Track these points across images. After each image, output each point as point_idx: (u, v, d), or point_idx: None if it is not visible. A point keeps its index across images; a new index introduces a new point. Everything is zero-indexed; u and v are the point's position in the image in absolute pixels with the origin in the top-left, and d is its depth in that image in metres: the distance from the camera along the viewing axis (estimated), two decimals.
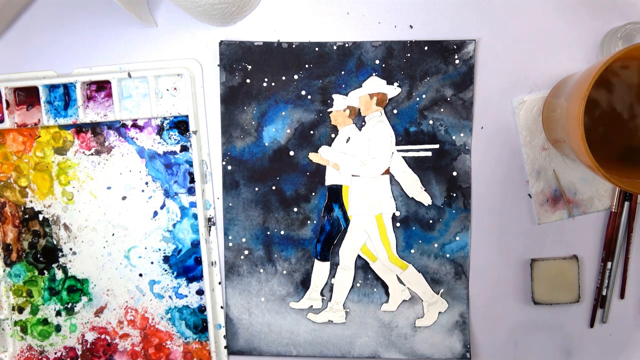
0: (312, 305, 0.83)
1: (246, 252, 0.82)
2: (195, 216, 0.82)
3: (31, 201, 0.83)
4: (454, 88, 0.80)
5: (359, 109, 0.81)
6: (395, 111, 0.80)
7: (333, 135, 0.81)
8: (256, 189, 0.82)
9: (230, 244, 0.82)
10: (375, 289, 0.83)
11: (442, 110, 0.80)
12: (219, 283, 0.83)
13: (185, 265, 0.83)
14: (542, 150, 0.80)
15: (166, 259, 0.83)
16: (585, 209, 0.81)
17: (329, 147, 0.81)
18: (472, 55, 0.79)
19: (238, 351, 0.83)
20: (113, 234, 0.83)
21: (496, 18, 0.80)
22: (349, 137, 0.81)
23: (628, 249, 0.81)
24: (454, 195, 0.81)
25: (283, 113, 0.81)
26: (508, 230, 0.82)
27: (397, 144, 0.81)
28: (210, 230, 0.82)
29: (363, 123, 0.81)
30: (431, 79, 0.80)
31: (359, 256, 0.82)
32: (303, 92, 0.81)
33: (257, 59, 0.80)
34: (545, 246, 0.81)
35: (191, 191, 0.82)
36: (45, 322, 0.85)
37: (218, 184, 0.82)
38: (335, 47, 0.80)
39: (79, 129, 0.82)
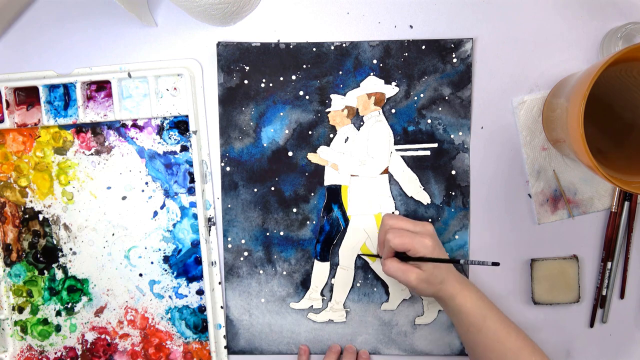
0: (312, 306, 0.83)
1: (246, 253, 0.83)
2: (195, 216, 0.82)
3: (31, 201, 0.84)
4: (452, 87, 0.79)
5: (357, 109, 0.81)
6: (393, 111, 0.80)
7: (331, 136, 0.81)
8: (255, 190, 0.82)
9: (230, 246, 0.82)
10: (375, 289, 0.83)
11: (440, 109, 0.80)
12: (219, 283, 0.83)
13: (185, 265, 0.83)
14: (542, 150, 0.80)
15: (166, 259, 0.83)
16: (585, 209, 0.81)
17: (328, 148, 0.81)
18: (470, 53, 0.79)
19: (239, 350, 0.83)
20: (113, 234, 0.83)
21: (496, 18, 0.80)
22: (348, 137, 0.81)
23: (628, 249, 0.81)
24: (453, 194, 0.81)
25: (281, 114, 0.81)
26: (508, 230, 0.81)
27: (395, 144, 0.81)
28: (210, 230, 0.82)
29: (361, 123, 0.81)
30: (429, 78, 0.80)
31: (358, 256, 0.82)
32: (301, 93, 0.81)
33: (255, 59, 0.81)
34: (545, 246, 0.81)
35: (191, 191, 0.82)
36: (45, 322, 0.85)
37: (218, 184, 0.82)
38: (332, 47, 0.80)
39: (79, 129, 0.82)
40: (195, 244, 0.83)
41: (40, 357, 0.85)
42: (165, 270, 0.83)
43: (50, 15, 0.82)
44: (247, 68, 0.81)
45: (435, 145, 0.80)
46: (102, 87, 0.81)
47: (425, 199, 0.81)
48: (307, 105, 0.81)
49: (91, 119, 0.81)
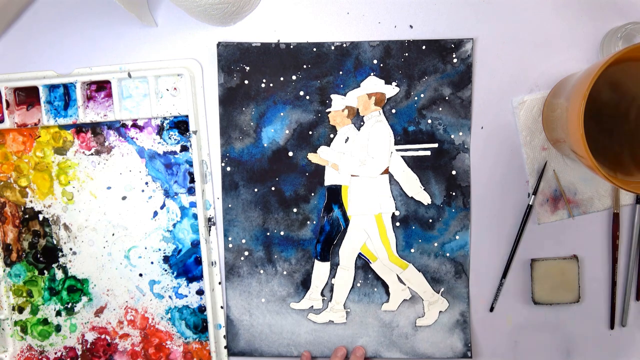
0: (312, 306, 0.83)
1: (246, 253, 0.82)
2: (195, 216, 0.82)
3: (31, 201, 0.84)
4: (452, 87, 0.79)
5: (358, 109, 0.80)
6: (393, 111, 0.80)
7: (332, 136, 0.81)
8: (255, 190, 0.82)
9: (230, 245, 0.82)
10: (375, 289, 0.82)
11: (440, 109, 0.80)
12: (219, 283, 0.83)
13: (185, 265, 0.83)
14: (542, 150, 0.80)
15: (166, 259, 0.83)
16: (585, 209, 0.81)
17: (328, 148, 0.81)
18: (470, 54, 0.79)
19: (239, 352, 0.83)
20: (113, 234, 0.83)
21: (497, 18, 0.80)
22: (348, 137, 0.81)
23: None
24: (454, 194, 0.81)
25: (281, 114, 0.81)
26: (508, 230, 0.81)
27: (396, 144, 0.81)
28: (210, 230, 0.82)
29: (362, 123, 0.81)
30: (429, 78, 0.80)
31: (359, 256, 0.82)
32: (301, 93, 0.80)
33: (255, 60, 0.80)
34: (545, 246, 0.81)
35: (191, 191, 0.82)
36: (45, 322, 0.85)
37: (218, 184, 0.82)
38: (333, 48, 0.80)
39: (79, 129, 0.82)
40: (195, 244, 0.83)
41: (40, 357, 0.85)
42: (165, 270, 0.83)
43: (50, 15, 0.82)
44: (248, 68, 0.81)
45: (436, 145, 0.80)
46: (102, 87, 0.81)
47: (425, 199, 0.81)
48: (307, 106, 0.81)
49: (91, 119, 0.81)
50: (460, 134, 0.80)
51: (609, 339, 0.83)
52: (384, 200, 0.81)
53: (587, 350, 0.83)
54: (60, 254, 0.84)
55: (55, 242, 0.84)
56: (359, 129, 0.81)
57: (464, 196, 0.81)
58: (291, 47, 0.80)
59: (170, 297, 0.84)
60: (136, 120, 0.82)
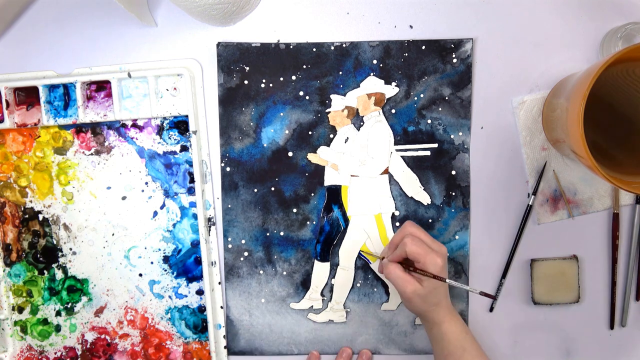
0: (312, 306, 0.83)
1: (246, 253, 0.83)
2: (195, 216, 0.82)
3: (31, 201, 0.84)
4: (452, 87, 0.79)
5: (357, 109, 0.80)
6: (393, 111, 0.80)
7: (331, 136, 0.81)
8: (255, 190, 0.82)
9: (230, 246, 0.82)
10: (375, 289, 0.83)
11: (440, 109, 0.80)
12: (219, 283, 0.83)
13: (185, 265, 0.83)
14: (542, 150, 0.80)
15: (166, 259, 0.83)
16: (585, 209, 0.81)
17: (328, 148, 0.81)
18: (470, 54, 0.79)
19: (239, 351, 0.83)
20: (113, 234, 0.83)
21: (496, 18, 0.80)
22: (348, 137, 0.81)
23: None
24: (453, 194, 0.81)
25: (281, 114, 0.81)
26: (508, 230, 0.81)
27: (395, 144, 0.81)
28: (210, 230, 0.82)
29: (361, 123, 0.81)
30: (429, 78, 0.80)
31: (359, 256, 0.82)
32: (301, 93, 0.80)
33: (255, 60, 0.81)
34: (545, 246, 0.81)
35: (191, 191, 0.82)
36: (45, 322, 0.85)
37: (218, 184, 0.82)
38: (332, 48, 0.80)
39: (79, 129, 0.82)
40: (195, 244, 0.83)
41: (40, 357, 0.85)
42: (165, 270, 0.83)
43: (50, 15, 0.82)
44: (247, 68, 0.81)
45: (435, 145, 0.80)
46: (102, 87, 0.81)
47: (425, 199, 0.81)
48: (307, 106, 0.81)
49: (91, 119, 0.81)
50: (460, 134, 0.80)
51: (608, 339, 0.83)
52: (383, 200, 0.81)
53: (587, 350, 0.83)
54: (60, 254, 0.84)
55: (55, 242, 0.84)
56: (358, 129, 0.81)
57: (464, 196, 0.81)
58: (291, 47, 0.80)
59: (170, 297, 0.84)
60: (136, 120, 0.82)
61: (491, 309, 0.82)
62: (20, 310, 0.85)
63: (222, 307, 0.83)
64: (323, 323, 0.83)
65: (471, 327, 0.82)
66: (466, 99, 0.80)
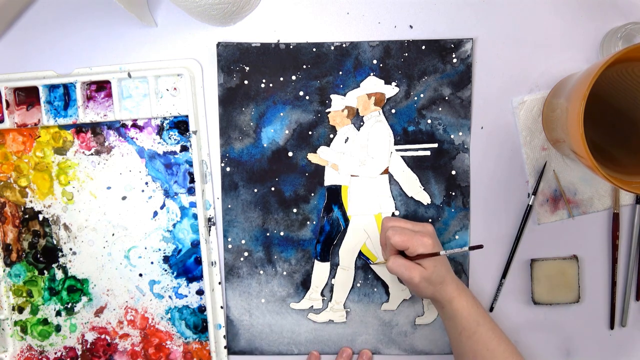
0: (312, 306, 0.83)
1: (246, 253, 0.82)
2: (195, 216, 0.82)
3: (31, 201, 0.84)
4: (452, 87, 0.79)
5: (357, 109, 0.80)
6: (393, 111, 0.80)
7: (331, 136, 0.81)
8: (255, 190, 0.82)
9: (230, 246, 0.82)
10: (375, 289, 0.83)
11: (440, 109, 0.80)
12: (219, 283, 0.83)
13: (185, 265, 0.83)
14: (542, 150, 0.80)
15: (166, 259, 0.83)
16: (585, 209, 0.81)
17: (328, 148, 0.81)
18: (470, 54, 0.79)
19: (239, 351, 0.83)
20: (113, 234, 0.83)
21: (496, 18, 0.80)
22: (348, 137, 0.81)
23: None
24: (453, 194, 0.81)
25: (281, 114, 0.81)
26: (508, 230, 0.81)
27: (395, 144, 0.81)
28: (210, 230, 0.82)
29: (361, 123, 0.81)
30: (429, 78, 0.80)
31: (359, 256, 0.82)
32: (301, 93, 0.80)
33: (255, 60, 0.81)
34: (545, 246, 0.81)
35: (191, 191, 0.82)
36: (45, 322, 0.85)
37: (218, 184, 0.82)
38: (332, 48, 0.80)
39: (79, 129, 0.82)
40: (195, 244, 0.83)
41: (40, 357, 0.85)
42: (165, 271, 0.83)
43: (50, 15, 0.82)
44: (247, 68, 0.81)
45: (435, 145, 0.80)
46: (102, 87, 0.81)
47: (425, 199, 0.81)
48: (307, 106, 0.81)
49: (91, 119, 0.81)
50: (460, 134, 0.80)
51: (608, 339, 0.83)
52: (383, 200, 0.81)
53: (587, 350, 0.83)
54: (60, 254, 0.84)
55: (55, 242, 0.84)
56: (358, 129, 0.81)
57: (464, 196, 0.81)
58: (291, 47, 0.80)
59: (170, 297, 0.84)
60: (136, 120, 0.82)
61: (491, 309, 0.82)
62: (21, 310, 0.85)
63: (222, 307, 0.83)
64: (323, 323, 0.83)
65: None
66: (466, 99, 0.80)
